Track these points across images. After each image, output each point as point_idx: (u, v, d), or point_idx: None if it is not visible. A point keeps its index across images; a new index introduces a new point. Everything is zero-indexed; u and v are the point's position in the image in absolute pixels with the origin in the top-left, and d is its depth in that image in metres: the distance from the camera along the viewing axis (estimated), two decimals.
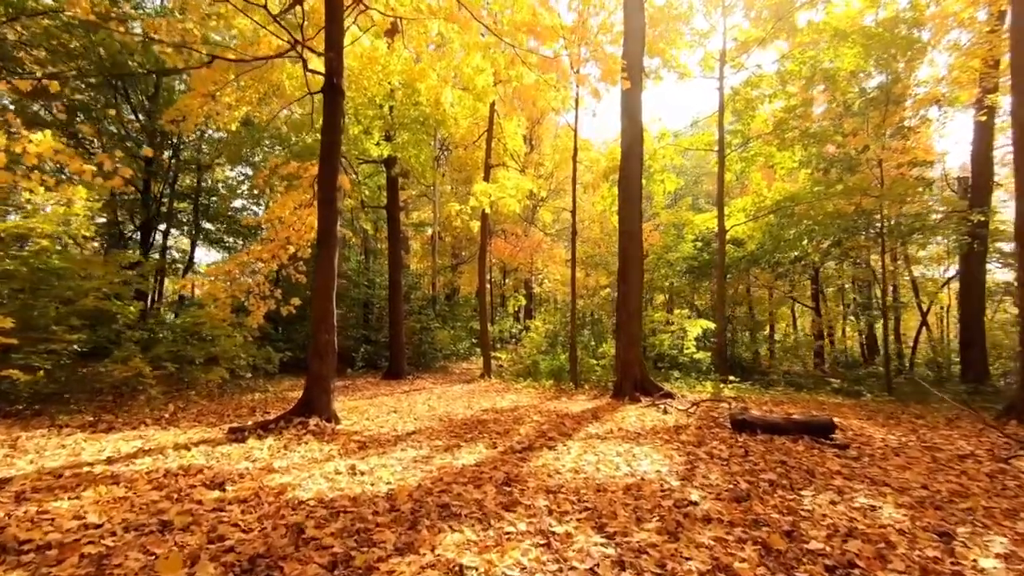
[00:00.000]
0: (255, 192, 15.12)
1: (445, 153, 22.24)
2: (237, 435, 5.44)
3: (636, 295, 9.79)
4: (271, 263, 9.77)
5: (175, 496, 3.51)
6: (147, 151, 9.23)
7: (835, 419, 5.85)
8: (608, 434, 5.94)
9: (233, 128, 10.87)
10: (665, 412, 7.28)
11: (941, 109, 13.81)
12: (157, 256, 15.90)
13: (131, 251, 11.77)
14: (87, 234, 8.92)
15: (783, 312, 19.56)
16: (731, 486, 3.93)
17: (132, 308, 9.53)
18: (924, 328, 17.75)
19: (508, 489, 3.82)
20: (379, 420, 7.02)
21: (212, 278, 9.14)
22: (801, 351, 16.08)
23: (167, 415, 6.81)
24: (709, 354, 12.24)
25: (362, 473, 4.26)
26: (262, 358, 10.33)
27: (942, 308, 21.43)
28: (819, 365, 15.97)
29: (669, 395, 8.75)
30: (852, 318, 21.28)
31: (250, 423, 5.81)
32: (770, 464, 4.50)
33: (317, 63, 7.60)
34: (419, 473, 4.28)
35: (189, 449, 4.82)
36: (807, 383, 11.93)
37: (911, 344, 17.25)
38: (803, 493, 3.77)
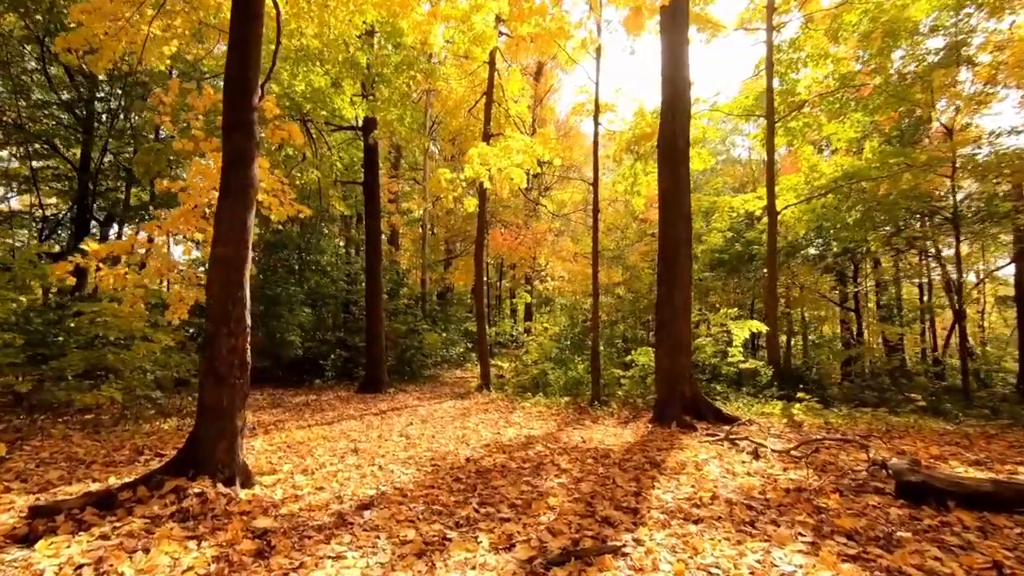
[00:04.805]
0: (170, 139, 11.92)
1: (434, 136, 19.79)
2: (36, 524, 2.97)
3: (684, 287, 7.41)
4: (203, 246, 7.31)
5: None
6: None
7: None
8: (699, 507, 3.52)
9: (163, 67, 8.38)
10: (757, 456, 4.86)
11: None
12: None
13: (30, 236, 9.25)
14: None
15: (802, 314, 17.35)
16: None
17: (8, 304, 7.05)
18: (955, 332, 15.63)
19: None
20: (323, 472, 4.57)
21: (106, 261, 6.63)
22: (842, 357, 13.74)
23: None
24: (760, 363, 9.86)
25: None
26: (188, 367, 7.78)
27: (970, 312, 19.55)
28: (847, 376, 13.63)
29: (744, 423, 6.35)
30: (883, 321, 19.09)
31: (74, 497, 3.33)
32: None
33: None
34: None
35: None
36: (882, 400, 9.57)
37: (931, 350, 15.11)
38: None
